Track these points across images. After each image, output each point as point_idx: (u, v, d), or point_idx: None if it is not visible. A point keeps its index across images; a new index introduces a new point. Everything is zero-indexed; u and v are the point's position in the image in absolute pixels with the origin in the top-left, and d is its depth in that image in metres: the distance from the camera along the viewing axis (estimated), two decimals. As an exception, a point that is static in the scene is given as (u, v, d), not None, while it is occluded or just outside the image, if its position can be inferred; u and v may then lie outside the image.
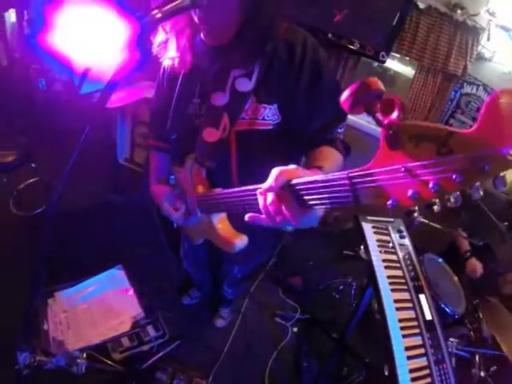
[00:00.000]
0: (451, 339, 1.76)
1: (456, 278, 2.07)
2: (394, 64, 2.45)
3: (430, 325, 1.56)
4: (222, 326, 2.16)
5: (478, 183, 0.39)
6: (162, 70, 1.12)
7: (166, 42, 0.99)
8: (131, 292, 1.63)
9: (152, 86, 2.09)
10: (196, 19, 0.90)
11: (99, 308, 1.58)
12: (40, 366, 1.24)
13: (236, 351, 2.03)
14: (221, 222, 1.07)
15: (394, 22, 2.00)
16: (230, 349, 2.03)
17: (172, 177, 1.19)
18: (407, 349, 1.47)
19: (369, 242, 1.83)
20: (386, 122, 0.44)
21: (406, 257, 1.83)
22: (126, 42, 1.01)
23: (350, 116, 2.77)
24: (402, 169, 0.44)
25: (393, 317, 1.54)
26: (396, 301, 1.60)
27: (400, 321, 1.54)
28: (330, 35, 2.09)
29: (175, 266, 1.97)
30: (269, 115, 0.98)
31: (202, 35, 0.99)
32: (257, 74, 0.95)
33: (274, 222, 0.71)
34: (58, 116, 2.13)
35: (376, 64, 2.21)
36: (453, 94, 2.25)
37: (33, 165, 2.15)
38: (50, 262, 2.05)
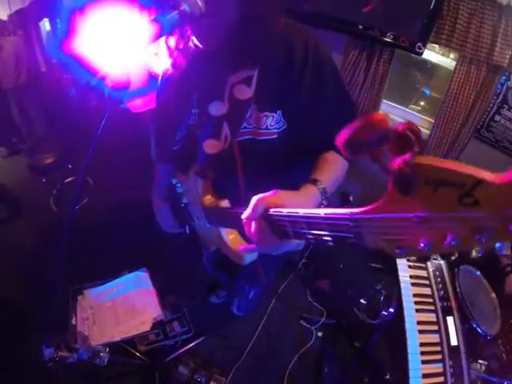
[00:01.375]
0: (480, 361, 1.61)
1: (494, 295, 1.87)
2: (432, 55, 2.21)
3: (454, 351, 1.45)
4: (214, 302, 2.24)
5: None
6: (158, 81, 1.06)
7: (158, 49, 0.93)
8: (154, 294, 1.71)
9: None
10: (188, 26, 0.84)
11: (123, 307, 1.67)
12: (62, 360, 1.35)
13: (258, 351, 2.06)
14: (231, 234, 1.06)
15: (431, 8, 1.80)
16: (253, 348, 2.06)
17: (179, 185, 1.19)
18: (425, 376, 1.38)
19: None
20: (397, 164, 0.36)
21: (437, 273, 1.69)
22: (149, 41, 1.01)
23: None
24: (415, 218, 0.36)
25: (414, 340, 1.45)
26: (420, 322, 1.51)
27: (421, 345, 1.45)
28: (360, 27, 1.92)
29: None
30: (272, 123, 0.92)
31: (194, 39, 0.90)
32: (256, 79, 0.88)
33: (261, 249, 0.71)
34: (89, 120, 2.23)
35: (414, 56, 2.00)
36: (499, 88, 1.99)
37: (69, 166, 2.29)
38: (85, 259, 2.21)
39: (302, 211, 0.57)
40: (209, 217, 1.06)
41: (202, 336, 2.06)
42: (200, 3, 0.72)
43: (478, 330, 1.56)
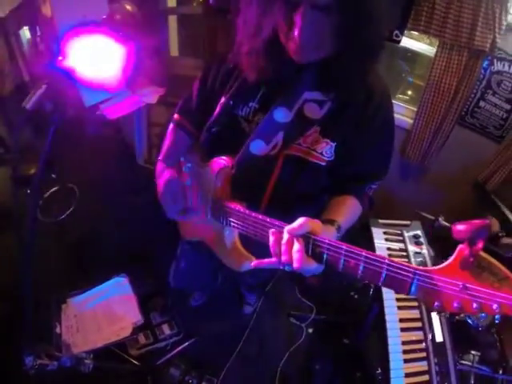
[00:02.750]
0: (473, 352, 1.58)
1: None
2: (412, 43, 2.14)
3: (440, 348, 1.41)
4: (250, 312, 2.20)
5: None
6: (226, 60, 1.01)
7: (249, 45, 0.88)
8: (133, 299, 1.72)
9: (154, 92, 2.09)
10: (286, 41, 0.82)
11: (104, 313, 1.69)
12: (42, 368, 1.37)
13: (249, 350, 2.05)
14: (233, 237, 1.02)
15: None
16: (243, 348, 2.05)
17: (189, 165, 1.11)
18: (408, 375, 1.35)
19: (378, 252, 1.69)
20: (475, 251, 0.56)
21: (421, 267, 1.66)
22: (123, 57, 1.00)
23: None
24: (461, 285, 0.57)
25: (395, 339, 1.43)
26: (402, 320, 1.48)
27: (404, 343, 1.42)
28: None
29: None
30: (327, 152, 0.95)
31: (287, 48, 0.85)
32: (329, 106, 0.92)
33: (279, 260, 0.76)
34: (68, 128, 2.23)
35: (395, 45, 1.94)
36: (482, 73, 1.94)
37: (53, 175, 2.30)
38: (73, 267, 2.21)
39: (364, 252, 0.68)
40: (216, 211, 1.00)
41: (192, 338, 2.06)
42: None
43: (469, 321, 1.54)
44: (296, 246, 0.72)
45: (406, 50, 2.36)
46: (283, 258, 0.74)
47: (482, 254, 0.56)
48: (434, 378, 1.36)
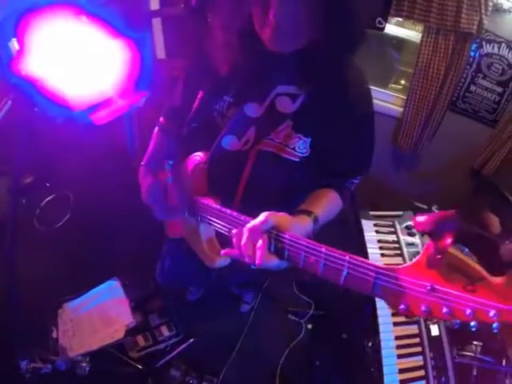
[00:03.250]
0: (475, 342, 1.54)
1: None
2: (397, 30, 2.09)
3: (435, 342, 1.38)
4: (247, 311, 2.18)
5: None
6: (201, 54, 1.01)
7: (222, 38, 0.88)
8: (125, 302, 1.74)
9: (140, 95, 2.07)
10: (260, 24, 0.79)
11: (98, 316, 1.72)
12: (36, 371, 1.40)
13: (248, 349, 2.05)
14: (207, 233, 1.02)
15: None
16: (242, 346, 2.05)
17: (170, 162, 1.10)
18: (402, 371, 1.33)
19: (368, 245, 1.67)
20: (440, 246, 0.49)
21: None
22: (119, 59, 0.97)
23: None
24: (429, 287, 0.50)
25: (388, 334, 1.40)
26: (395, 314, 1.45)
27: (397, 338, 1.39)
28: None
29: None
30: (300, 147, 0.92)
31: (262, 37, 0.84)
32: (302, 99, 0.89)
33: (242, 259, 0.75)
34: (59, 136, 2.25)
35: (384, 34, 1.90)
36: (471, 57, 1.89)
37: (47, 184, 2.32)
38: (69, 273, 2.23)
39: (324, 247, 0.65)
40: (192, 208, 1.01)
41: (191, 338, 2.07)
42: None
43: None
44: (259, 243, 0.71)
45: (393, 38, 2.32)
46: (245, 256, 0.73)
47: (453, 251, 0.49)
48: (430, 372, 1.33)
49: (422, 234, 0.55)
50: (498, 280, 0.45)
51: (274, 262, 0.72)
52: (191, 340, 2.07)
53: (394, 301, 0.55)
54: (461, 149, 2.08)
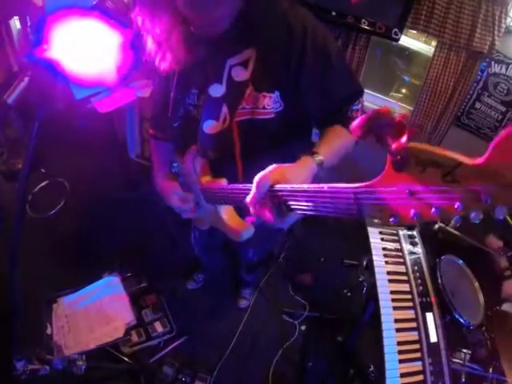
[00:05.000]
0: (464, 350, 1.61)
1: (477, 284, 1.86)
2: (411, 42, 2.14)
3: (434, 348, 1.43)
4: (245, 307, 2.19)
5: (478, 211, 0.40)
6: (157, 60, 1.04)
7: (157, 45, 0.92)
8: (126, 299, 1.68)
9: (147, 85, 2.02)
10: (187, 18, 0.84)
11: (96, 313, 1.64)
12: (33, 373, 1.34)
13: (242, 348, 2.05)
14: (227, 212, 1.08)
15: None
16: (236, 345, 2.05)
17: (175, 164, 1.20)
18: (403, 375, 1.36)
19: (374, 252, 1.70)
20: (394, 146, 0.45)
21: (416, 268, 1.67)
22: (119, 47, 0.98)
23: None
24: (407, 191, 0.45)
25: (391, 340, 1.43)
26: (397, 320, 1.48)
27: (399, 343, 1.43)
28: (333, 13, 1.83)
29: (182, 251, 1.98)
30: (269, 103, 0.94)
31: (192, 28, 0.90)
32: (253, 61, 0.91)
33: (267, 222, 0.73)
34: (59, 121, 2.17)
35: (394, 43, 1.93)
36: (479, 75, 1.96)
37: (42, 170, 2.23)
38: (63, 264, 2.15)
39: (305, 186, 0.63)
40: (206, 195, 1.08)
41: (184, 335, 2.05)
42: None
43: (461, 320, 1.57)
44: (267, 207, 0.71)
45: (403, 49, 2.36)
46: (265, 219, 0.73)
47: (414, 145, 0.43)
48: (428, 377, 1.37)
49: (364, 138, 0.48)
50: (477, 161, 0.39)
51: (285, 218, 0.71)
52: (185, 337, 2.05)
53: (383, 215, 0.51)
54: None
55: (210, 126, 1.02)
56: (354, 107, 0.98)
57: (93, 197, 2.44)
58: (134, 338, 1.97)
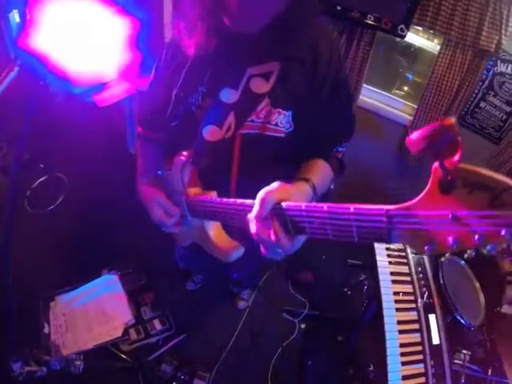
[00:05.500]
0: (464, 351, 1.60)
1: (478, 284, 1.85)
2: (417, 39, 2.11)
3: (436, 350, 1.42)
4: (244, 307, 2.17)
5: None
6: (166, 50, 0.98)
7: (186, 26, 0.87)
8: (124, 298, 1.67)
9: (145, 78, 1.98)
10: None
11: (94, 312, 1.63)
12: (30, 374, 1.31)
13: (241, 346, 2.04)
14: (214, 228, 0.98)
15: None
16: (235, 343, 2.04)
17: (160, 172, 1.05)
18: (404, 378, 1.36)
19: (377, 252, 1.68)
20: (447, 165, 0.41)
21: (419, 269, 1.66)
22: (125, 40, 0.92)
23: (364, 98, 2.47)
24: (450, 215, 0.41)
25: (393, 341, 1.42)
26: (400, 322, 1.47)
27: (401, 345, 1.42)
28: (338, 8, 1.79)
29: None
30: (282, 122, 0.90)
31: (225, 19, 0.85)
32: (276, 75, 0.87)
33: (268, 250, 0.67)
34: (56, 117, 2.13)
35: (399, 40, 1.90)
36: (484, 74, 1.94)
37: (41, 165, 2.20)
38: (62, 261, 2.12)
39: (324, 206, 0.57)
40: (192, 208, 0.97)
41: (183, 333, 2.03)
42: None
43: (462, 321, 1.56)
44: (274, 225, 0.64)
45: (407, 46, 2.32)
46: (265, 243, 0.65)
47: (464, 166, 0.40)
48: (430, 380, 1.37)
49: (421, 154, 0.45)
50: None
51: (294, 242, 0.64)
52: (184, 335, 2.03)
53: (417, 242, 0.46)
54: (463, 162, 2.11)
55: (210, 132, 0.94)
56: (341, 149, 0.98)
57: (92, 192, 2.40)
58: (133, 335, 1.96)
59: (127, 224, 2.26)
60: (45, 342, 1.53)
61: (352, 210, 0.53)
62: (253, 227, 0.66)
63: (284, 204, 0.63)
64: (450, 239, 0.42)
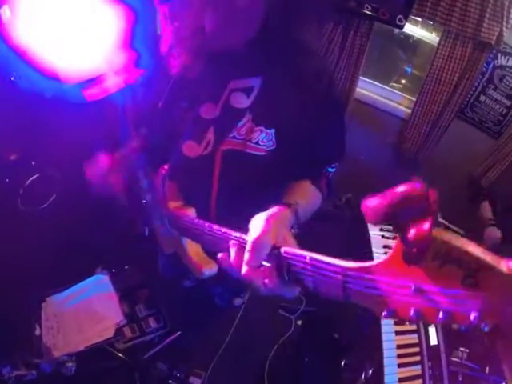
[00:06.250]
0: (461, 348, 1.59)
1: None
2: (415, 30, 2.06)
3: (434, 351, 1.40)
4: (240, 304, 2.08)
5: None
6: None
7: (178, 40, 0.89)
8: (114, 298, 1.65)
9: (136, 72, 1.91)
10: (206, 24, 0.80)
11: (85, 312, 1.61)
12: (19, 378, 1.30)
13: (237, 343, 2.03)
14: (191, 243, 0.95)
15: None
16: (231, 341, 2.03)
17: (145, 181, 1.05)
18: (401, 380, 1.34)
19: (374, 249, 1.66)
20: (412, 234, 0.34)
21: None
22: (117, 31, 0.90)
23: (361, 90, 2.42)
24: (413, 287, 0.37)
25: (390, 344, 1.40)
26: (397, 322, 1.45)
27: (398, 347, 1.40)
28: (335, -3, 1.74)
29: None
30: (264, 140, 0.88)
31: (207, 37, 0.85)
32: (257, 91, 0.85)
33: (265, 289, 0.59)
34: (47, 113, 2.08)
35: (397, 31, 1.84)
36: (484, 67, 1.90)
37: (32, 162, 2.14)
38: (55, 260, 2.10)
39: (309, 255, 0.51)
40: (171, 220, 0.96)
41: (179, 331, 2.02)
42: None
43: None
44: (268, 273, 0.57)
45: (406, 37, 2.27)
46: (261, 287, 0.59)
47: (439, 235, 0.34)
48: (427, 382, 1.35)
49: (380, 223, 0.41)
50: (506, 266, 0.31)
51: (294, 288, 0.57)
52: (179, 332, 2.02)
53: (375, 306, 0.42)
54: (462, 156, 2.09)
55: (188, 147, 0.93)
56: (331, 169, 0.94)
57: (85, 190, 2.36)
58: (128, 333, 1.94)
59: (121, 221, 2.24)
60: (37, 343, 1.51)
61: (308, 259, 0.49)
62: (244, 271, 0.59)
63: (284, 250, 0.56)
64: (412, 311, 0.37)
